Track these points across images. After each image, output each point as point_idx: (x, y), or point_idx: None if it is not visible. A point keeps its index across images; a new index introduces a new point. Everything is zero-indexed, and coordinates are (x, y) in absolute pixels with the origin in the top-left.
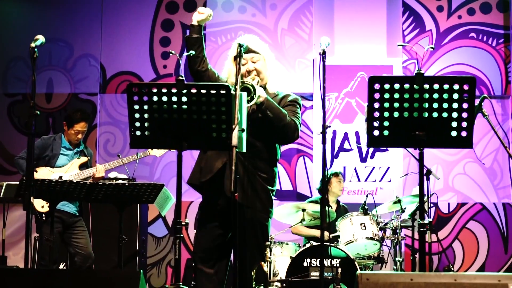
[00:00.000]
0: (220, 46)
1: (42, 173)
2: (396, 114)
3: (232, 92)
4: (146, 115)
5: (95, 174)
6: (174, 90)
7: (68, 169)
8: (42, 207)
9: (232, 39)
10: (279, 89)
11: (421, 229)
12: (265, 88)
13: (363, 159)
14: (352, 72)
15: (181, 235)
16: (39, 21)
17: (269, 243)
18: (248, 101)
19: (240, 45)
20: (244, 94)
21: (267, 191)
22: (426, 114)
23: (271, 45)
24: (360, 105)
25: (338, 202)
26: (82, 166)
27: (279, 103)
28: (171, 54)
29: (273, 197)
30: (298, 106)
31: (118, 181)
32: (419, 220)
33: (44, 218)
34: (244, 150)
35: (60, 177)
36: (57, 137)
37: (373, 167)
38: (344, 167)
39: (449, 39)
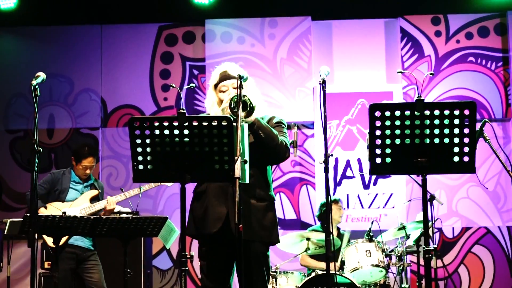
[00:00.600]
0: None
1: (52, 207)
2: (397, 141)
3: (234, 124)
4: (148, 149)
5: (106, 206)
6: (175, 123)
7: (78, 202)
8: (53, 242)
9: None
10: (264, 113)
11: (427, 256)
12: None
13: (366, 186)
14: (352, 99)
15: (187, 268)
16: (39, 57)
17: (274, 272)
18: (249, 114)
19: (240, 77)
20: (246, 125)
21: (272, 218)
22: (428, 140)
23: (270, 74)
24: (361, 132)
25: (338, 229)
26: (93, 199)
27: None
28: (171, 88)
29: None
30: (284, 126)
31: (122, 215)
32: (424, 246)
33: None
34: (247, 181)
35: (64, 213)
36: (67, 172)
37: (376, 194)
38: (348, 195)
39: (448, 63)
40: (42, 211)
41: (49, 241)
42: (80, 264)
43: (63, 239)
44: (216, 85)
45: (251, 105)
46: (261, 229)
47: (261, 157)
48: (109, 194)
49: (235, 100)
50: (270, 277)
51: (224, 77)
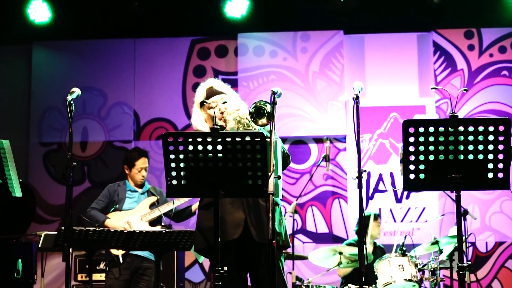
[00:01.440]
0: (252, 91)
1: (114, 217)
2: (431, 157)
3: (267, 139)
4: (182, 164)
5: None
6: (209, 139)
7: (138, 210)
8: (117, 249)
9: (264, 83)
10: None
11: (461, 272)
12: None
13: (398, 200)
14: (384, 113)
15: (220, 283)
16: (72, 71)
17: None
18: (269, 119)
19: (274, 92)
20: (279, 141)
21: (282, 222)
22: (462, 157)
23: (303, 88)
24: (394, 146)
25: (375, 243)
26: (152, 206)
27: None
28: (205, 104)
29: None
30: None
31: (154, 229)
32: (458, 262)
33: (121, 260)
34: (281, 197)
35: (97, 226)
36: (121, 183)
37: (409, 208)
38: (380, 208)
39: (481, 77)
40: (108, 224)
41: (114, 250)
42: (134, 275)
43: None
44: (202, 103)
45: (268, 111)
46: (276, 233)
47: None
48: None
49: (257, 106)
50: None
51: (211, 93)
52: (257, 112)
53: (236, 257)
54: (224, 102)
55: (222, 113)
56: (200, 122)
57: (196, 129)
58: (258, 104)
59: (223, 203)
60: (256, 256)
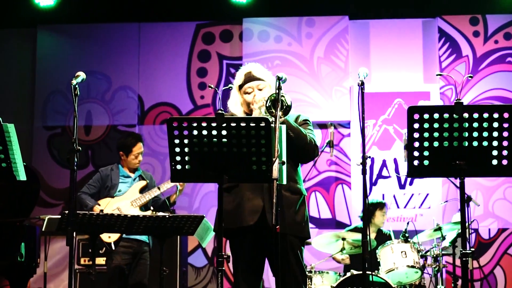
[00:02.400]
0: None
1: (104, 203)
2: (436, 144)
3: (272, 125)
4: (186, 149)
5: (180, 186)
6: (214, 124)
7: (128, 195)
8: (109, 237)
9: (269, 68)
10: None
11: (463, 259)
12: None
13: (402, 186)
14: (389, 99)
15: (223, 268)
16: (77, 55)
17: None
18: (285, 113)
19: (279, 78)
20: (284, 126)
21: (304, 213)
22: (466, 143)
23: (307, 73)
24: (398, 132)
25: (378, 230)
26: (143, 190)
27: None
28: (209, 88)
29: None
30: (310, 124)
31: (158, 214)
32: (461, 249)
33: (114, 247)
34: (285, 182)
35: (101, 211)
36: (114, 167)
37: (412, 194)
38: (383, 194)
39: (486, 64)
40: (96, 209)
41: (105, 237)
42: (135, 258)
43: (118, 234)
44: (240, 86)
45: (287, 104)
46: (295, 223)
47: (292, 152)
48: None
49: (272, 99)
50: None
51: (249, 78)
52: (274, 104)
53: (254, 243)
54: (259, 89)
55: (255, 99)
56: (234, 105)
57: (229, 111)
58: (274, 96)
59: (242, 189)
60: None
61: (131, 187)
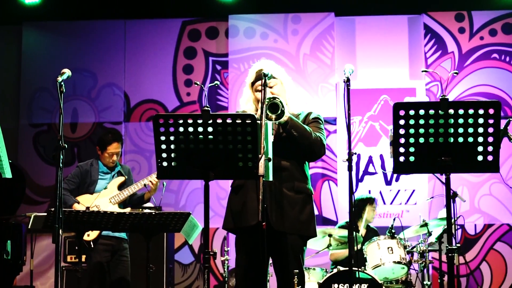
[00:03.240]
0: (243, 73)
1: (83, 200)
2: (421, 140)
3: (258, 121)
4: (172, 146)
5: (153, 182)
6: (200, 121)
7: (106, 192)
8: (88, 235)
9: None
10: (300, 109)
11: (449, 254)
12: None
13: (388, 182)
14: (375, 95)
15: (209, 265)
16: (62, 52)
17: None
18: (279, 117)
19: (265, 75)
20: (270, 123)
21: (310, 211)
22: (452, 139)
23: (293, 70)
24: (384, 128)
25: (368, 226)
26: (121, 186)
27: (303, 121)
28: (196, 85)
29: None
30: (321, 122)
31: (145, 211)
32: (447, 244)
33: (92, 245)
34: (271, 179)
35: (87, 208)
36: (94, 162)
37: (398, 190)
38: (369, 191)
39: (472, 60)
40: (76, 207)
41: (84, 235)
42: (113, 256)
43: (97, 232)
44: (252, 83)
45: (282, 109)
46: (298, 222)
47: (297, 151)
48: None
49: (269, 103)
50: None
51: (260, 76)
52: (272, 108)
53: (256, 243)
54: (270, 87)
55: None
56: (246, 102)
57: (241, 109)
58: (271, 101)
59: (247, 189)
60: (276, 243)
61: (110, 183)
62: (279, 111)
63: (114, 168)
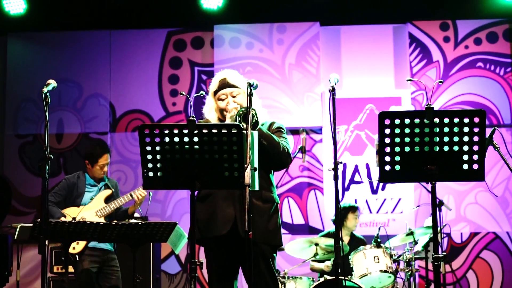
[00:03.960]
0: None
1: (70, 213)
2: (407, 149)
3: (243, 131)
4: (158, 156)
5: (138, 197)
6: (185, 131)
7: (93, 205)
8: (74, 248)
9: (241, 74)
10: (264, 119)
11: (436, 263)
12: None
13: (374, 191)
14: (360, 104)
15: (196, 275)
16: (48, 62)
17: (282, 278)
18: (254, 127)
19: (250, 84)
20: (256, 133)
21: (276, 220)
22: (437, 148)
23: (279, 79)
24: (369, 137)
25: (352, 234)
26: (108, 199)
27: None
28: (181, 95)
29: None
30: (284, 131)
31: (131, 221)
32: (433, 253)
33: (78, 258)
34: (257, 188)
35: (73, 218)
36: (81, 175)
37: (385, 199)
38: (356, 200)
39: (457, 69)
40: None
41: (70, 248)
42: (102, 268)
43: (82, 244)
44: (215, 92)
45: (257, 119)
46: (267, 231)
47: (265, 160)
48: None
49: (240, 113)
50: (279, 282)
51: (223, 85)
52: (245, 119)
53: (227, 252)
54: (233, 96)
55: (229, 106)
56: (209, 111)
57: (205, 118)
58: (243, 111)
59: (216, 199)
60: (244, 252)
61: (96, 196)
62: (254, 121)
63: (101, 181)
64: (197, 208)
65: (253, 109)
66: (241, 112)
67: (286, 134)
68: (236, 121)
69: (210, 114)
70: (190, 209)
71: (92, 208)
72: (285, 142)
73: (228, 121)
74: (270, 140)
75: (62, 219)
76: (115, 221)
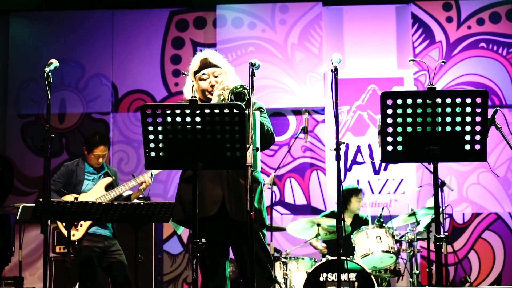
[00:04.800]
0: (231, 63)
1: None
2: (409, 129)
3: (246, 111)
4: (160, 136)
5: (145, 181)
6: (187, 111)
7: (93, 192)
8: (73, 235)
9: (243, 55)
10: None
11: (437, 243)
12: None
13: (376, 172)
14: (363, 85)
15: (198, 255)
16: (50, 42)
17: (284, 258)
18: (246, 105)
19: (252, 64)
20: (258, 113)
21: (262, 200)
22: (440, 128)
23: (281, 60)
24: (372, 117)
25: (355, 215)
26: (108, 187)
27: None
28: (183, 75)
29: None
30: (264, 111)
31: (133, 201)
32: (435, 233)
33: (77, 244)
34: (259, 168)
35: (76, 198)
36: (80, 162)
37: (387, 180)
38: (358, 180)
39: (459, 49)
40: None
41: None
42: (106, 254)
43: (82, 231)
44: (196, 72)
45: (248, 97)
46: (256, 210)
47: None
48: (120, 179)
49: (234, 91)
50: (280, 262)
51: (205, 65)
52: (237, 97)
53: (216, 232)
54: (215, 76)
55: (212, 86)
56: (189, 92)
57: (185, 98)
58: (237, 89)
59: (203, 180)
60: (233, 232)
61: (96, 184)
62: (246, 100)
63: (101, 169)
64: (183, 189)
65: (246, 88)
66: (234, 90)
67: (266, 113)
68: (228, 100)
69: (189, 95)
70: (192, 188)
71: (92, 196)
72: (267, 122)
73: (214, 100)
74: None
75: (65, 198)
76: (117, 201)
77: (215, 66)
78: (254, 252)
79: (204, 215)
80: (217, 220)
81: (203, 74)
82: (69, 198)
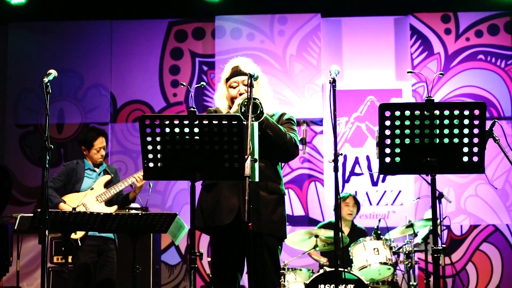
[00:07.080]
0: None
1: (70, 199)
2: (407, 141)
3: (244, 122)
4: (158, 147)
5: (137, 184)
6: (186, 122)
7: (94, 190)
8: (75, 233)
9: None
10: (275, 110)
11: (435, 255)
12: None
13: (374, 183)
14: (361, 96)
15: (196, 266)
16: (49, 52)
17: (282, 269)
18: (258, 117)
19: (251, 75)
20: (256, 124)
21: (282, 213)
22: (437, 140)
23: (280, 71)
24: (370, 129)
25: (352, 225)
26: (108, 184)
27: (277, 122)
28: (182, 86)
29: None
30: (294, 123)
31: (131, 211)
32: (433, 245)
33: (80, 244)
34: (257, 179)
35: (74, 209)
36: (80, 161)
37: (385, 191)
38: (356, 191)
39: (458, 61)
40: (62, 207)
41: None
42: (100, 257)
43: (83, 232)
44: (227, 79)
45: (261, 109)
46: (271, 222)
47: (272, 151)
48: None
49: (245, 104)
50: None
51: (236, 72)
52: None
53: (231, 242)
54: (245, 85)
55: (241, 94)
56: (219, 98)
57: (215, 105)
58: (244, 103)
59: (221, 188)
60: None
61: (96, 181)
62: (258, 112)
63: (99, 166)
64: (203, 196)
65: (257, 99)
66: (245, 102)
67: (296, 125)
68: (241, 111)
69: (221, 101)
70: (190, 200)
71: (92, 194)
72: (293, 134)
73: (234, 109)
74: (277, 130)
75: (62, 206)
76: (116, 212)
77: (245, 74)
78: (253, 265)
79: (220, 224)
80: (233, 230)
81: (233, 82)
82: (66, 207)
